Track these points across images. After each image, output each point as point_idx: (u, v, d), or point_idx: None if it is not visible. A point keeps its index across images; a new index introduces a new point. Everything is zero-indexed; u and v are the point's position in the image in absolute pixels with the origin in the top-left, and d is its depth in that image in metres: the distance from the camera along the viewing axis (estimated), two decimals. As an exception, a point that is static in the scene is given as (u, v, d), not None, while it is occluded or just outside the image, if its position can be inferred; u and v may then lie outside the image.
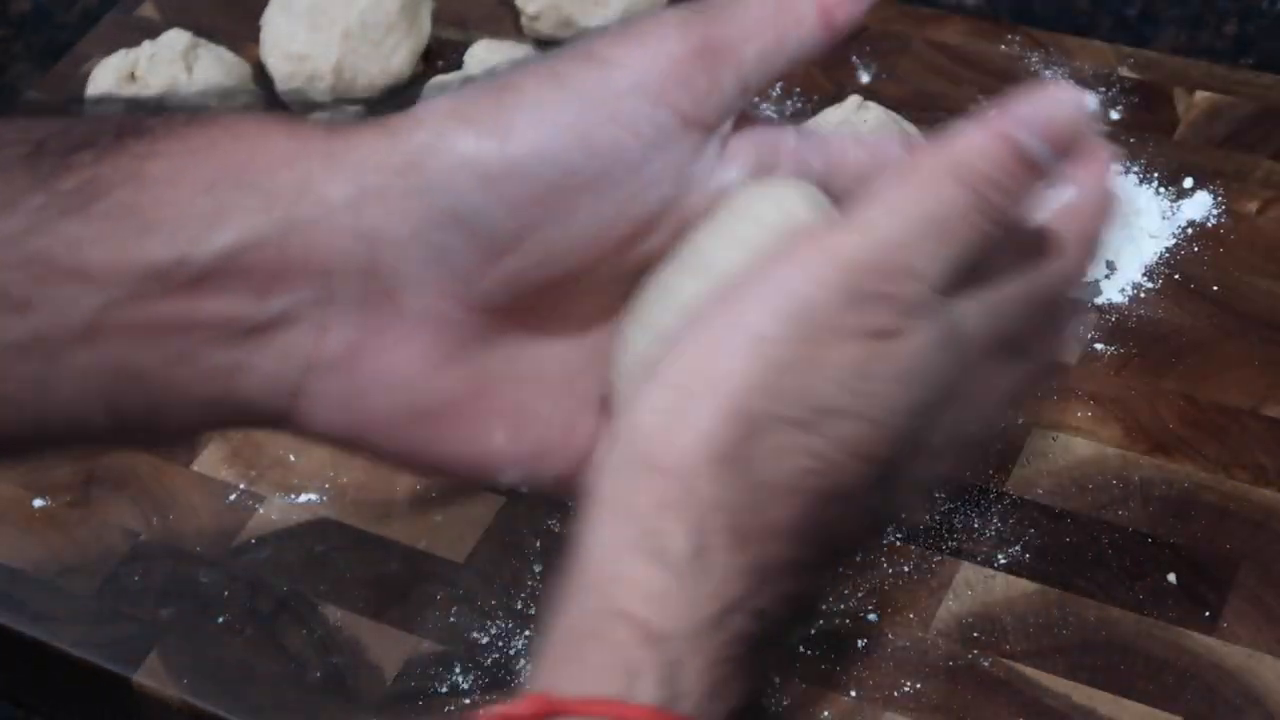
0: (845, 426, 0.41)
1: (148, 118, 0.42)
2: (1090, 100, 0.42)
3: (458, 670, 0.64)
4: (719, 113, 0.43)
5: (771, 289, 0.41)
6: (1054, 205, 0.46)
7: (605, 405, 0.46)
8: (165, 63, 0.87)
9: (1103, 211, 0.47)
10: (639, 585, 0.40)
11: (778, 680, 0.62)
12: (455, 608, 0.66)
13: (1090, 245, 0.47)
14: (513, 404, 0.46)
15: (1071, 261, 0.47)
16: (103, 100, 0.77)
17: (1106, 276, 0.74)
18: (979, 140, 0.42)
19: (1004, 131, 0.42)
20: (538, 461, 0.47)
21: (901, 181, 0.42)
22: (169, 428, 0.45)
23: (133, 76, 0.87)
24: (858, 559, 0.58)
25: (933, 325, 0.42)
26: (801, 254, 0.42)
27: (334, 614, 0.66)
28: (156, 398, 0.42)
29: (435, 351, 0.44)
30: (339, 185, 0.41)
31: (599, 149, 0.42)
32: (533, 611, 0.65)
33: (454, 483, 0.69)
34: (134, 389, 0.42)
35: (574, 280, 0.44)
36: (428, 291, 0.43)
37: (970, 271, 0.43)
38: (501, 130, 0.42)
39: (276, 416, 0.44)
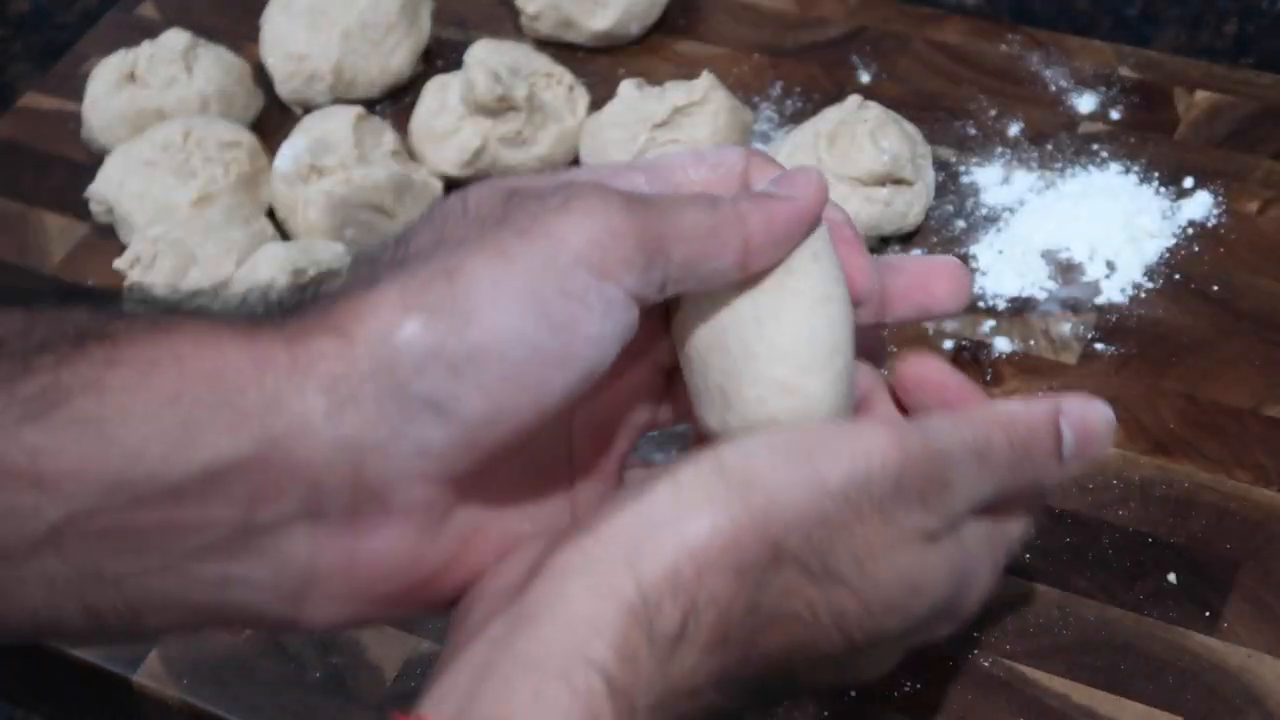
0: (843, 596, 0.44)
1: (111, 320, 0.41)
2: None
3: (457, 670, 0.64)
4: (657, 293, 0.45)
5: (848, 448, 0.44)
6: None
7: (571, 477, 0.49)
8: (165, 63, 0.87)
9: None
10: (618, 643, 0.41)
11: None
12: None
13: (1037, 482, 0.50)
14: (498, 538, 0.47)
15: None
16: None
17: (1106, 276, 0.74)
18: (1028, 412, 0.48)
19: (1051, 412, 0.48)
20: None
21: (959, 417, 0.47)
22: (158, 629, 0.45)
23: (132, 76, 0.87)
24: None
25: (950, 548, 0.46)
26: (880, 432, 0.45)
27: (334, 614, 0.66)
28: (137, 602, 0.42)
29: (425, 529, 0.45)
30: (311, 398, 0.41)
31: (558, 323, 0.42)
32: (532, 611, 0.65)
33: None
34: (111, 592, 0.41)
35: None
36: (413, 484, 0.43)
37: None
38: (462, 317, 0.42)
39: (276, 622, 0.45)
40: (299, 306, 0.43)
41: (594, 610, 0.41)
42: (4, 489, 0.39)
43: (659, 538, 0.42)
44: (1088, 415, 0.49)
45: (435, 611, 0.48)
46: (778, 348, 0.46)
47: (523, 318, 0.42)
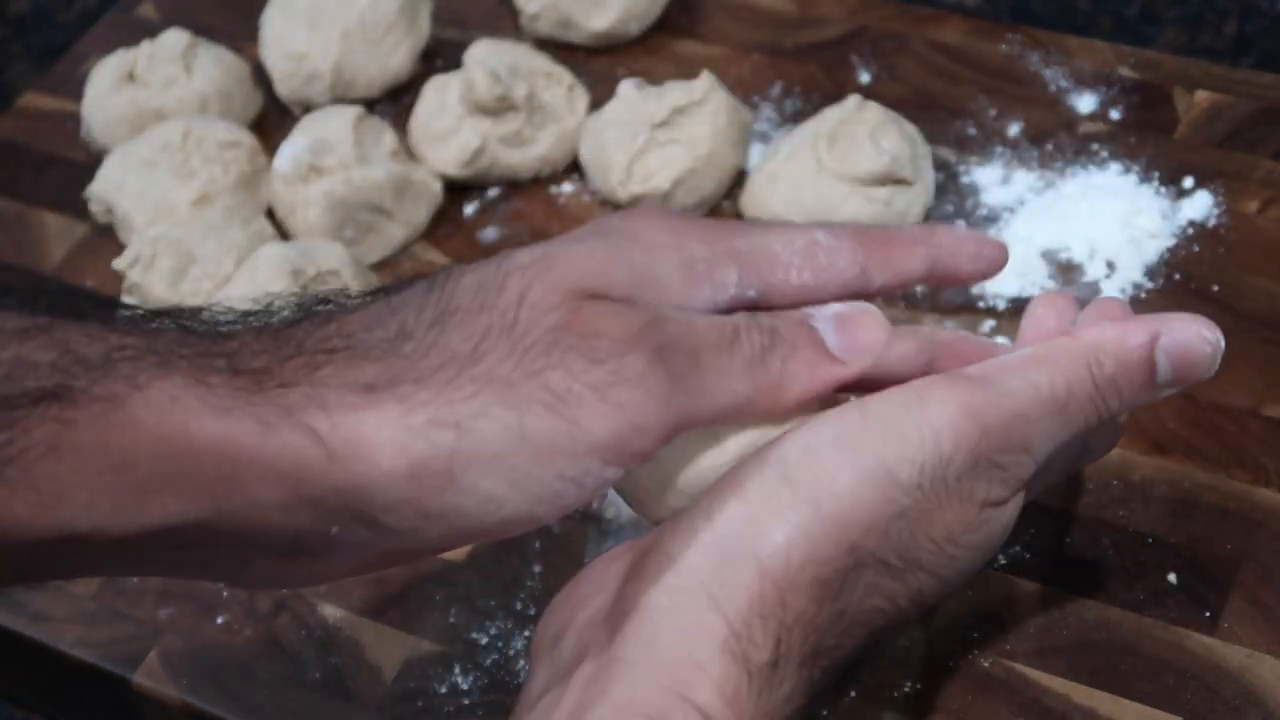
0: (923, 580, 0.44)
1: (74, 377, 0.40)
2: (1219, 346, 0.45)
3: (457, 670, 0.64)
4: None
5: (914, 432, 0.43)
6: None
7: None
8: (164, 62, 0.87)
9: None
10: (718, 682, 0.40)
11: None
12: (455, 608, 0.66)
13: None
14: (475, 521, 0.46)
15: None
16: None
17: (1106, 276, 0.74)
18: (1120, 340, 0.45)
19: (1145, 344, 0.45)
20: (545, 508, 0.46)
21: (1038, 361, 0.45)
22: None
23: (131, 76, 0.87)
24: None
25: (1021, 497, 0.45)
26: (948, 405, 0.43)
27: (333, 614, 0.66)
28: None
29: (367, 563, 0.46)
30: (271, 491, 0.40)
31: (542, 499, 0.42)
32: (532, 612, 0.65)
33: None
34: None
35: None
36: (352, 556, 0.44)
37: None
38: (452, 477, 0.41)
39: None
40: (279, 370, 0.41)
41: (688, 652, 0.41)
42: None
43: (738, 566, 0.41)
44: (1189, 344, 0.45)
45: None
46: None
47: (509, 491, 0.41)
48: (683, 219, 0.48)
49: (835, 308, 0.47)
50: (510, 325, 0.42)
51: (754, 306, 0.47)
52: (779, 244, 0.47)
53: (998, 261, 0.52)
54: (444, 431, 0.41)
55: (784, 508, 0.42)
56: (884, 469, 0.42)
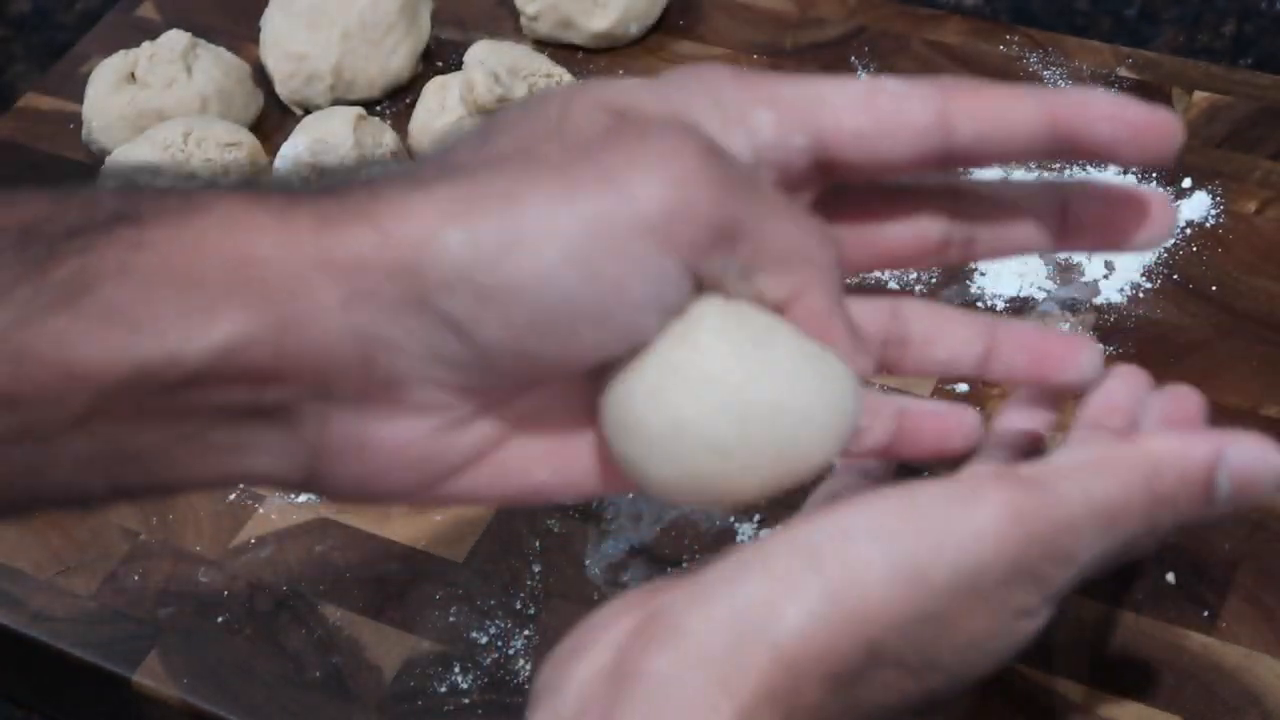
0: (938, 680, 0.42)
1: (141, 201, 0.40)
2: None
3: (457, 670, 0.64)
4: (715, 279, 0.42)
5: (953, 533, 0.41)
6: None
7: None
8: (165, 63, 0.87)
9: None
10: None
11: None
12: (455, 607, 0.66)
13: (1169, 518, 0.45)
14: (546, 444, 0.45)
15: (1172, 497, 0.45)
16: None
17: (1105, 277, 0.74)
18: (1183, 455, 0.42)
19: (1209, 463, 0.42)
20: (596, 487, 0.46)
21: (1098, 464, 0.42)
22: (175, 490, 0.44)
23: (132, 77, 0.87)
24: None
25: (1054, 606, 0.43)
26: (994, 507, 0.41)
27: (333, 614, 0.66)
28: (160, 473, 0.42)
29: (440, 431, 0.43)
30: (332, 286, 0.40)
31: (603, 282, 0.40)
32: (532, 611, 0.65)
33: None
34: (134, 467, 0.41)
35: None
36: (426, 386, 0.42)
37: None
38: (504, 247, 0.40)
39: (295, 485, 0.44)
40: (341, 187, 0.42)
41: None
42: (33, 377, 0.39)
43: (751, 649, 0.40)
44: (1254, 466, 0.43)
45: (450, 504, 0.45)
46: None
47: (566, 267, 0.40)
48: (720, 68, 0.45)
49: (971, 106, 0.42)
50: (556, 129, 0.42)
51: (813, 163, 0.44)
52: (829, 88, 0.44)
53: (1158, 130, 0.44)
54: (495, 202, 0.40)
55: (807, 594, 0.40)
56: (918, 569, 0.41)
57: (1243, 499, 0.43)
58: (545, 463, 0.45)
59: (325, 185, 0.42)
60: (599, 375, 0.44)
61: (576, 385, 0.45)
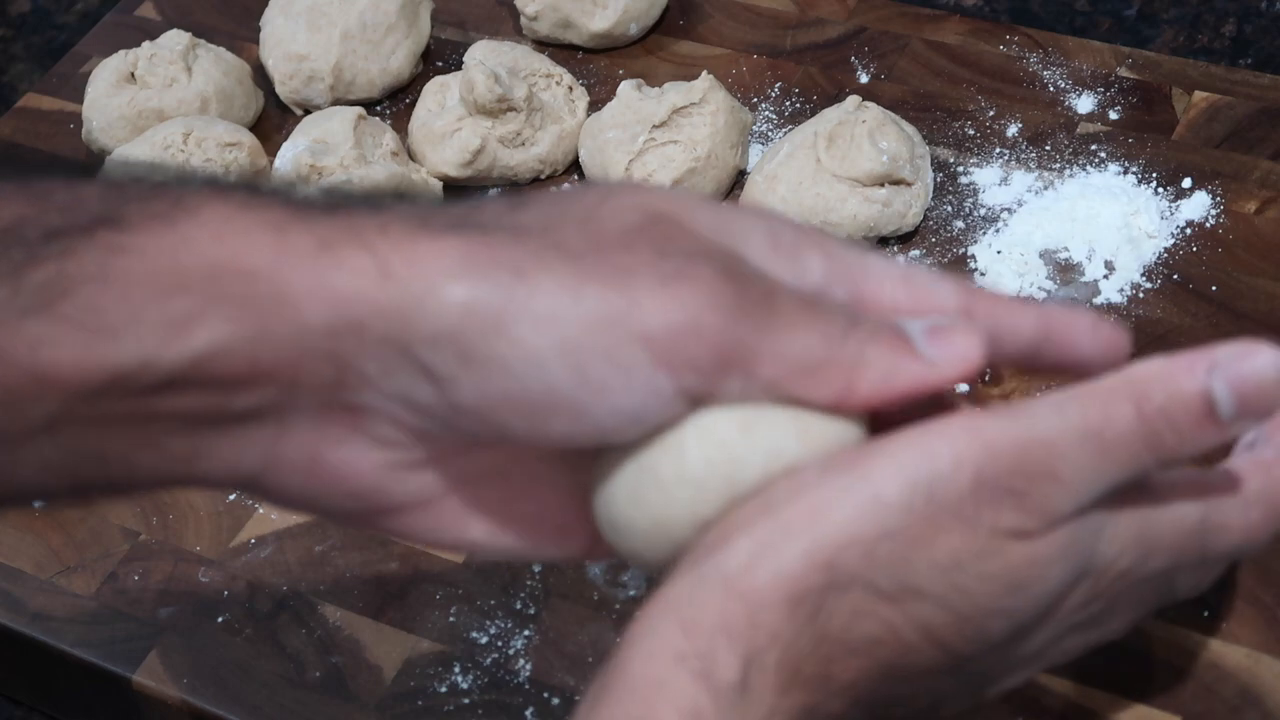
0: (927, 611, 0.41)
1: (126, 203, 0.40)
2: None
3: (457, 670, 0.64)
4: (708, 398, 0.41)
5: (907, 454, 0.40)
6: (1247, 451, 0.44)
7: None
8: (164, 63, 0.87)
9: None
10: (679, 700, 0.39)
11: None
12: (454, 607, 0.66)
13: (1276, 508, 0.45)
14: (493, 502, 0.45)
15: (1252, 518, 0.45)
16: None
17: (1105, 277, 0.74)
18: (1167, 372, 0.41)
19: (1195, 371, 0.41)
20: (528, 551, 0.46)
21: (1077, 391, 0.41)
22: (128, 491, 0.45)
23: (132, 77, 0.87)
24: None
25: (1065, 540, 0.41)
26: (950, 429, 0.40)
27: (333, 614, 0.66)
28: (117, 475, 0.42)
29: (390, 470, 0.43)
30: (318, 310, 0.40)
31: (588, 382, 0.40)
32: (532, 611, 0.65)
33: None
34: (95, 467, 0.41)
35: None
36: (387, 422, 0.42)
37: (1132, 493, 0.42)
38: (500, 320, 0.39)
39: (239, 488, 0.44)
40: (343, 210, 0.41)
41: (653, 674, 0.39)
42: (5, 380, 0.38)
43: (706, 585, 0.40)
44: (1247, 366, 0.41)
45: (383, 535, 0.45)
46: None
47: (556, 357, 0.39)
48: (784, 216, 0.45)
49: (930, 319, 0.43)
50: (586, 218, 0.41)
51: None
52: (874, 258, 0.45)
53: (1118, 344, 0.46)
54: (503, 273, 0.39)
55: (758, 529, 0.40)
56: (867, 486, 0.40)
57: (1251, 407, 0.41)
58: (483, 523, 0.45)
59: (327, 204, 0.42)
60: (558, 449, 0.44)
61: (530, 453, 0.45)
